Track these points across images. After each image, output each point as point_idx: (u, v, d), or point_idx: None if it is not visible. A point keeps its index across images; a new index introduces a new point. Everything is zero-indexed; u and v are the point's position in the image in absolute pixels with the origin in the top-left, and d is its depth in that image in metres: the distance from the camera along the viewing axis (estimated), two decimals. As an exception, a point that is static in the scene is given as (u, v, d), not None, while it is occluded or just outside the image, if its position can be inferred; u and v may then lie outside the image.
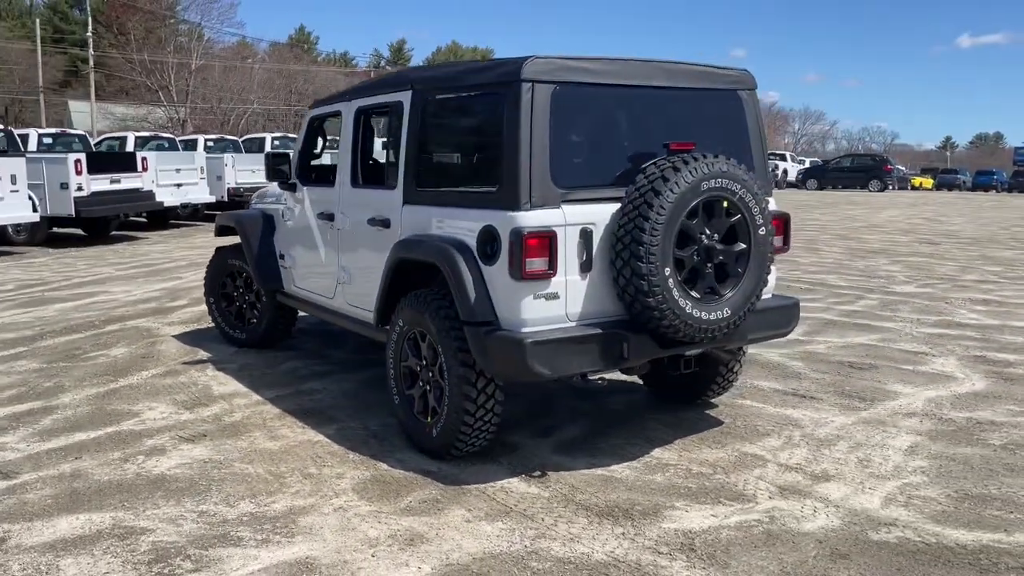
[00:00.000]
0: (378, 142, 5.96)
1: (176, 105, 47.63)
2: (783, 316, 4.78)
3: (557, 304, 4.02)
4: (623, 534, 3.63)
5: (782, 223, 4.76)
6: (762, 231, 4.26)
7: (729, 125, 4.70)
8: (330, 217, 5.49)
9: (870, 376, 6.06)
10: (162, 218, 18.07)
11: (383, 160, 5.13)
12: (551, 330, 3.98)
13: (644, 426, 4.99)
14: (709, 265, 4.15)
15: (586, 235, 4.04)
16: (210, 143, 22.07)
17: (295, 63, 60.62)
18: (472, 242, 4.11)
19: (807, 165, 46.85)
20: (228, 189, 18.62)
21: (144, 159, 15.96)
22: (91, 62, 44.81)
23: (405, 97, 4.74)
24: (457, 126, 4.66)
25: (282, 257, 6.28)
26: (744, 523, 3.74)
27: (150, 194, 15.96)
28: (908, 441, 4.77)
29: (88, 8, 48.32)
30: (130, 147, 19.44)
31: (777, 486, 4.14)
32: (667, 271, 3.95)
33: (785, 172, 43.14)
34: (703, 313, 4.10)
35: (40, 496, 4.03)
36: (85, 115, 49.28)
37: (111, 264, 12.48)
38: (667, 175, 3.94)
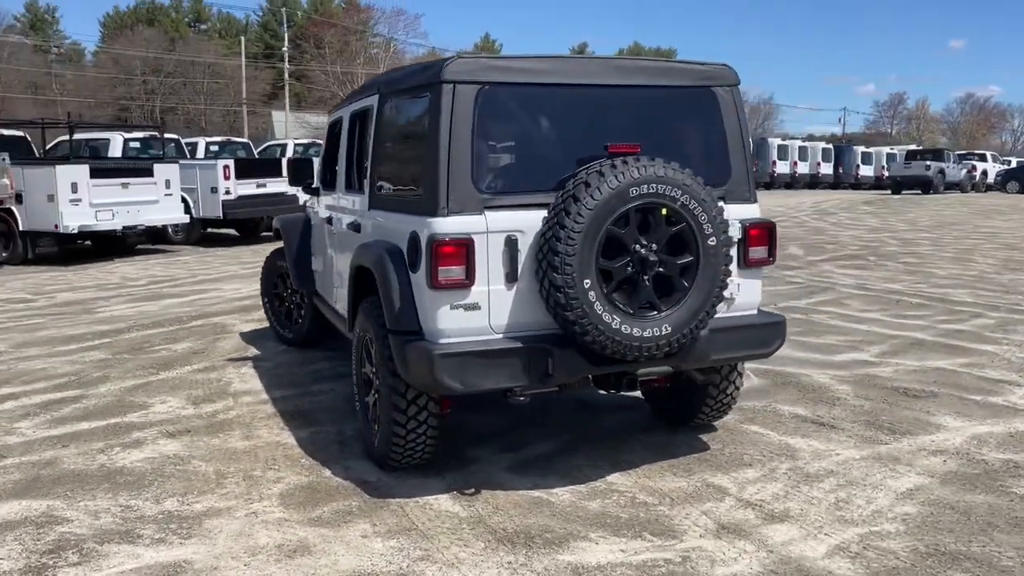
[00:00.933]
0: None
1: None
2: (761, 335, 4.32)
3: (478, 315, 3.83)
4: (510, 563, 3.40)
5: (765, 233, 4.32)
6: (712, 241, 3.86)
7: (702, 125, 4.32)
8: (330, 221, 5.56)
9: (920, 406, 5.38)
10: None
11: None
12: (466, 342, 3.81)
13: (621, 447, 4.68)
14: (646, 277, 3.81)
15: (511, 243, 3.83)
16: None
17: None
18: (404, 249, 4.01)
19: (1012, 165, 42.61)
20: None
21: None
22: (285, 75, 48.05)
23: (373, 101, 4.70)
24: (401, 130, 4.56)
25: (312, 259, 6.43)
26: (649, 562, 3.41)
27: (293, 198, 16.84)
28: (911, 483, 4.19)
29: (285, 25, 51.78)
30: (289, 154, 20.62)
31: (719, 523, 3.75)
32: (587, 283, 3.67)
33: (984, 173, 39.43)
34: (635, 329, 3.78)
35: (5, 480, 4.31)
36: (283, 124, 53.06)
37: (240, 263, 13.29)
38: (590, 180, 3.67)
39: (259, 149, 21.83)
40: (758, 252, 4.30)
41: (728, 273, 3.96)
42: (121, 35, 70.41)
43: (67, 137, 14.77)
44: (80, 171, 13.18)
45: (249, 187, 15.84)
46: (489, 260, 3.82)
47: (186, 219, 15.01)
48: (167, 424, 5.15)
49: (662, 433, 4.90)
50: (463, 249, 3.75)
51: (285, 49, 49.20)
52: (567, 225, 3.62)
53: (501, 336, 3.86)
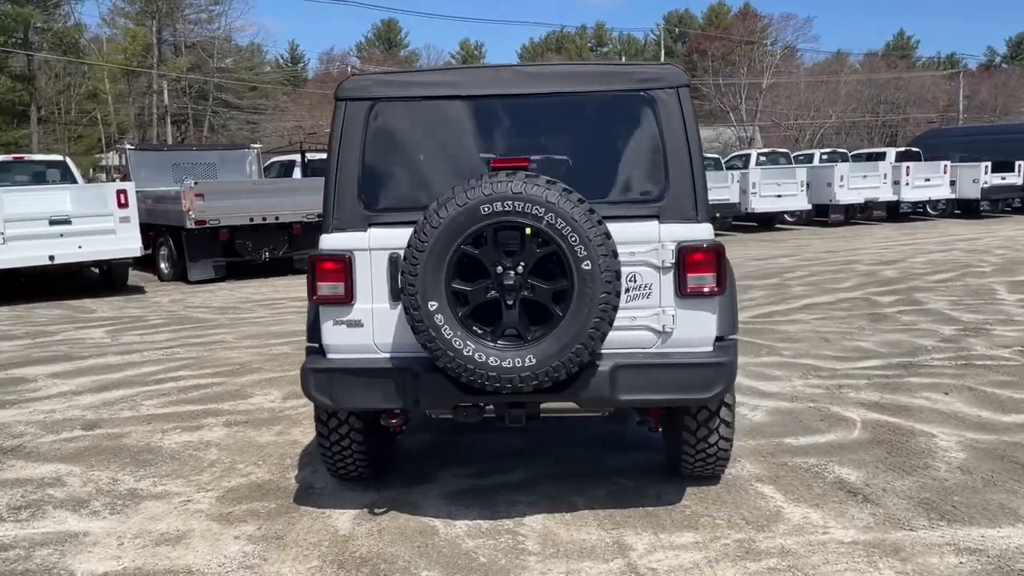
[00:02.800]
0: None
1: (744, 124, 49.11)
2: (694, 377, 3.65)
3: (362, 333, 3.79)
4: (311, 586, 3.35)
5: (708, 257, 3.65)
6: (587, 266, 3.38)
7: (636, 134, 3.78)
8: None
9: (1030, 489, 4.12)
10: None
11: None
12: (345, 359, 3.78)
13: (589, 488, 4.24)
14: (510, 302, 3.47)
15: (394, 261, 3.72)
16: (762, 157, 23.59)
17: (886, 72, 57.55)
18: None
19: None
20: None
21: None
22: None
23: None
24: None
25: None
26: (435, 612, 3.14)
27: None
28: (880, 582, 3.27)
29: (662, 42, 52.34)
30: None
31: (568, 587, 3.29)
32: (432, 305, 3.44)
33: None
34: (492, 358, 3.45)
35: (65, 446, 5.19)
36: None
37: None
38: (442, 198, 3.45)
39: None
40: (698, 280, 3.65)
41: (611, 303, 3.42)
42: (532, 64, 76.88)
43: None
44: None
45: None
46: (372, 278, 3.75)
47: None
48: (240, 414, 5.75)
49: (655, 480, 4.34)
50: (341, 265, 3.74)
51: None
52: (412, 243, 3.45)
53: (383, 356, 3.77)
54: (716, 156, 24.77)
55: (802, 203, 20.67)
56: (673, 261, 3.64)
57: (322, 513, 4.06)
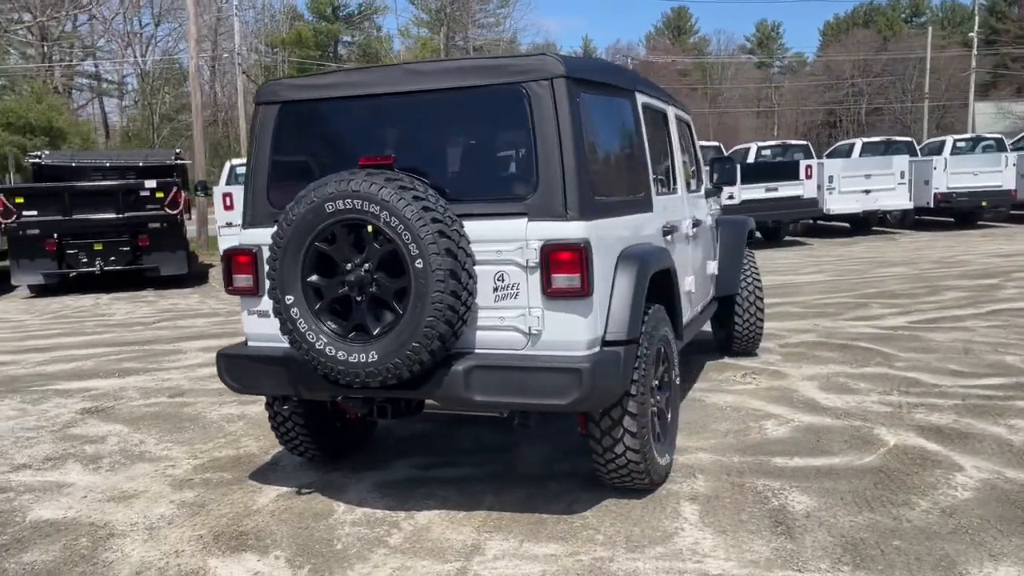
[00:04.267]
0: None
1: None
2: (549, 382, 3.46)
3: (269, 322, 3.99)
4: (178, 550, 3.65)
5: (571, 258, 3.45)
6: (419, 264, 3.35)
7: (510, 128, 3.65)
8: None
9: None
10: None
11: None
12: (253, 347, 4.05)
13: (505, 492, 4.15)
14: (359, 298, 3.53)
15: None
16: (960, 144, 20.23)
17: None
18: None
19: None
20: (936, 194, 17.09)
21: (809, 167, 16.13)
22: (973, 62, 43.45)
23: None
24: None
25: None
26: (246, 589, 3.31)
27: (812, 201, 16.07)
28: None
29: (975, 5, 46.67)
30: (752, 157, 19.25)
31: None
32: (289, 298, 3.59)
33: None
34: (341, 352, 3.54)
35: (134, 408, 5.96)
36: (987, 116, 48.22)
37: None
38: (298, 196, 3.59)
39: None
40: (563, 281, 3.47)
41: (445, 301, 3.36)
42: (836, 41, 72.11)
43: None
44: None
45: (757, 191, 15.68)
46: None
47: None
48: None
49: (583, 489, 4.14)
50: (250, 259, 4.00)
51: (974, 33, 44.37)
52: (273, 239, 3.63)
53: (282, 345, 3.95)
54: (999, 136, 21.58)
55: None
56: (537, 260, 3.49)
57: (259, 489, 4.36)
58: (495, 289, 3.58)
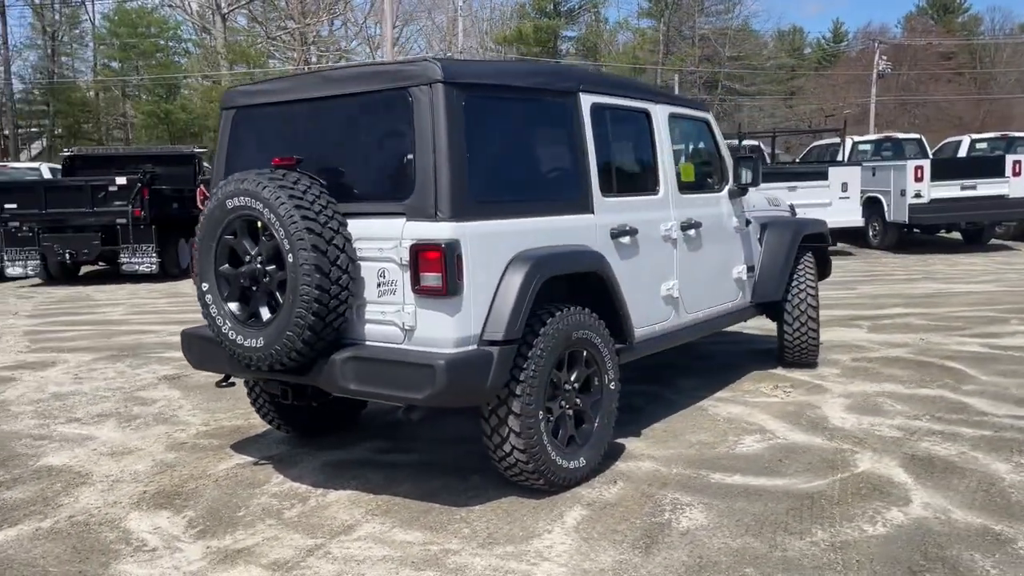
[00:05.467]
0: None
1: None
2: (407, 376, 3.59)
3: None
4: (123, 502, 4.18)
5: (435, 257, 3.56)
6: (290, 258, 3.62)
7: (394, 131, 3.79)
8: None
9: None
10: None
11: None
12: (203, 327, 4.47)
13: (429, 481, 4.31)
14: (255, 288, 3.85)
15: None
16: None
17: None
18: None
19: None
20: None
21: (1018, 163, 14.45)
22: None
23: None
24: None
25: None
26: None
27: (1018, 201, 14.42)
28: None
29: None
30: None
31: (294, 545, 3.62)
32: (205, 285, 3.99)
33: None
34: (239, 337, 3.89)
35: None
36: None
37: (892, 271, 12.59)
38: (212, 192, 3.98)
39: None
40: (429, 279, 3.60)
41: (311, 295, 3.60)
42: None
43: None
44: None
45: (951, 189, 14.31)
46: None
47: (860, 222, 14.61)
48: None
49: (504, 485, 4.24)
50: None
51: None
52: (196, 231, 4.04)
53: None
54: None
55: None
56: (408, 259, 3.64)
57: (228, 456, 4.82)
58: (379, 285, 3.77)
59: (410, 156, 3.72)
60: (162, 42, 44.65)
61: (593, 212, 4.33)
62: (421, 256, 3.59)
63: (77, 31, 50.68)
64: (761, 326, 7.39)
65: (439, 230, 3.59)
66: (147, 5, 46.08)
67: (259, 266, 3.81)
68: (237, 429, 5.33)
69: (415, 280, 3.63)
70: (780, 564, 3.32)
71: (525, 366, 3.81)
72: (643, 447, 4.73)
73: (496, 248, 3.77)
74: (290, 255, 3.63)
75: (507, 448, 3.87)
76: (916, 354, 6.92)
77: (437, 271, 3.56)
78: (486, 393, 3.71)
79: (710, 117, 5.59)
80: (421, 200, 3.65)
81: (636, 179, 4.85)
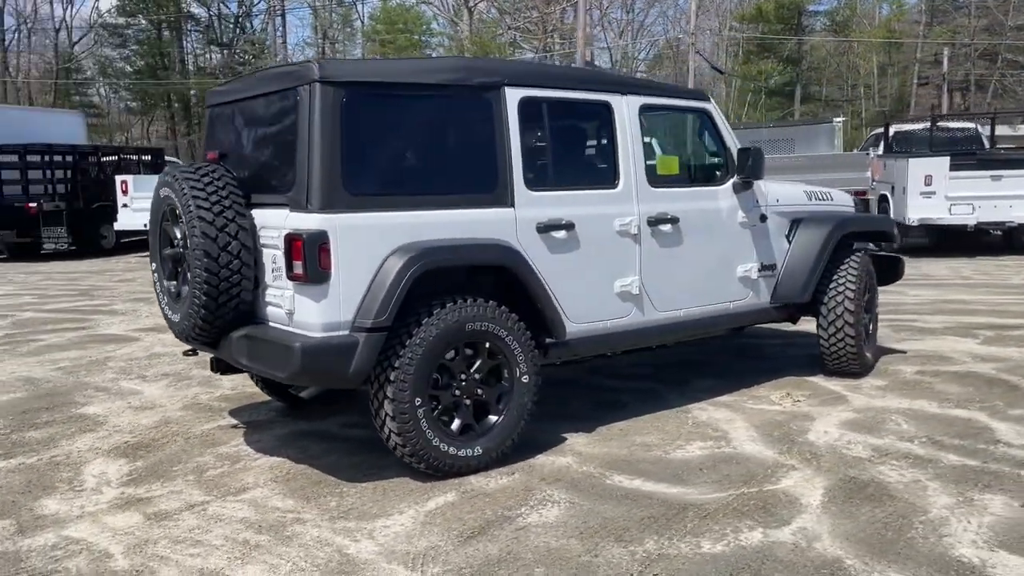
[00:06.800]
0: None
1: None
2: (275, 354, 3.89)
3: None
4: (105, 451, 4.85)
5: (296, 246, 3.82)
6: (188, 244, 4.04)
7: (288, 127, 4.05)
8: None
9: None
10: None
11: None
12: None
13: (359, 454, 4.61)
14: (180, 269, 4.32)
15: None
16: None
17: None
18: None
19: None
20: None
21: None
22: None
23: None
24: None
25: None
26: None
27: None
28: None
29: None
30: None
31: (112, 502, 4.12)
32: (154, 266, 4.53)
33: None
34: (169, 311, 4.39)
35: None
36: None
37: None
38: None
39: None
40: (297, 267, 3.86)
41: (200, 277, 4.00)
42: None
43: None
44: (937, 163, 13.06)
45: None
46: None
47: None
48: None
49: (406, 465, 4.43)
50: None
51: None
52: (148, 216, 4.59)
53: None
54: None
55: None
56: (284, 247, 3.94)
57: (219, 418, 5.38)
58: (272, 270, 4.10)
59: (291, 150, 3.99)
60: (416, 37, 47.67)
61: (513, 206, 4.36)
62: (292, 245, 3.86)
63: (349, 29, 55.50)
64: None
65: (308, 221, 3.85)
66: (406, 2, 49.44)
67: (181, 249, 4.26)
68: (251, 395, 5.89)
69: (288, 267, 3.91)
70: (576, 567, 3.26)
71: (401, 354, 3.96)
72: (582, 443, 4.70)
73: (373, 240, 3.95)
74: (188, 240, 4.05)
75: (387, 431, 4.06)
76: (1003, 371, 6.13)
77: (300, 259, 3.82)
78: (350, 377, 3.92)
79: (710, 107, 5.31)
80: (298, 193, 3.92)
81: (584, 173, 4.78)
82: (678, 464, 4.37)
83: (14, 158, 16.83)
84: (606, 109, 4.78)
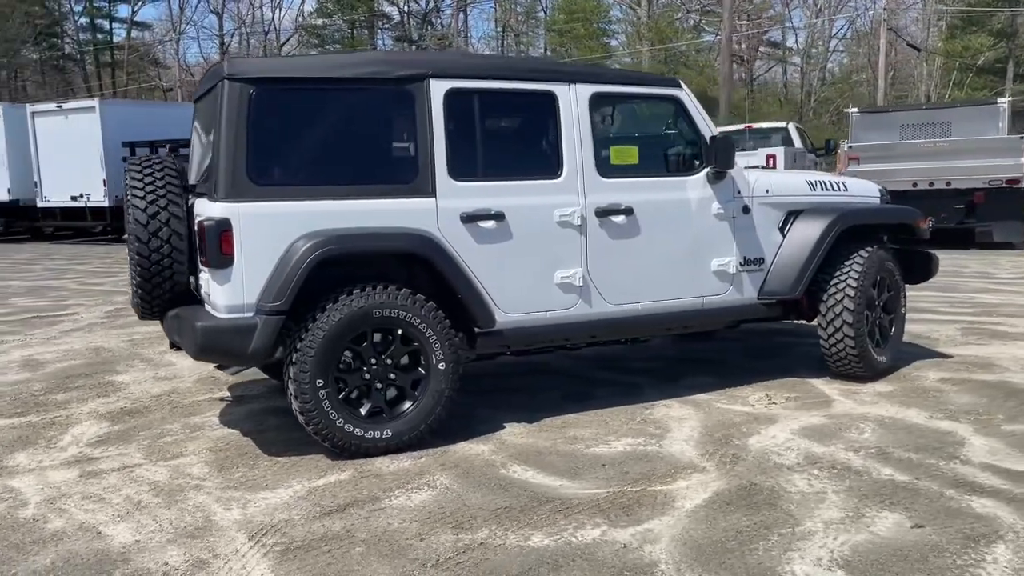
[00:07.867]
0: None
1: None
2: (185, 331, 4.25)
3: None
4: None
5: (202, 232, 4.13)
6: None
7: (212, 122, 4.34)
8: None
9: None
10: None
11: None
12: None
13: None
14: (140, 251, 4.76)
15: None
16: None
17: None
18: None
19: None
20: None
21: None
22: None
23: None
24: None
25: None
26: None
27: None
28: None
29: None
30: None
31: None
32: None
33: None
34: (131, 290, 4.83)
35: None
36: None
37: None
38: (132, 168, 4.93)
39: None
40: (203, 252, 4.18)
41: (135, 259, 4.39)
42: None
43: None
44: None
45: None
46: None
47: None
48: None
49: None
50: None
51: None
52: (130, 198, 5.06)
53: None
54: None
55: None
56: (197, 234, 4.27)
57: (218, 391, 5.83)
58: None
59: (216, 143, 4.29)
60: (595, 25, 47.65)
61: (435, 196, 4.45)
62: (200, 231, 4.18)
63: (533, 20, 56.37)
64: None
65: (212, 209, 4.14)
66: (585, -7, 49.46)
67: (128, 234, 4.70)
68: (258, 373, 6.30)
69: (201, 252, 4.22)
70: (395, 548, 3.34)
71: (303, 337, 4.18)
72: (513, 433, 4.73)
73: (278, 228, 4.17)
74: (125, 225, 4.46)
75: (294, 405, 4.29)
76: (1046, 382, 5.52)
77: (203, 243, 4.12)
78: (250, 356, 4.18)
79: (681, 94, 5.11)
80: (211, 183, 4.22)
81: (519, 163, 4.77)
82: (588, 459, 4.31)
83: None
84: (549, 99, 4.74)
